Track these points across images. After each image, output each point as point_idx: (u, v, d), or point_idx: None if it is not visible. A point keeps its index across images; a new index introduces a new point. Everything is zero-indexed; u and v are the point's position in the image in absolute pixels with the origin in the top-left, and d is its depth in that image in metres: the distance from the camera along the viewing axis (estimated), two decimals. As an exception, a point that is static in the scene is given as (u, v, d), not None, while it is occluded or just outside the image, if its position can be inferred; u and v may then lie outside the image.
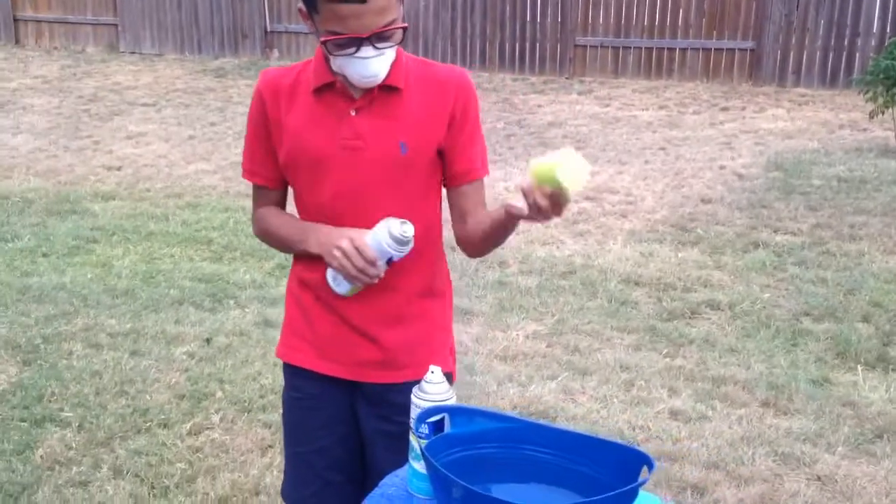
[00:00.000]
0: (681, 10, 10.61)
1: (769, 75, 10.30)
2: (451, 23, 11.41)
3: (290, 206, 1.99)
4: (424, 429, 1.51)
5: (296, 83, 1.86)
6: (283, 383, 2.05)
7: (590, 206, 6.22)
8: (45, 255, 5.32)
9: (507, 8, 11.19)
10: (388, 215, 1.75)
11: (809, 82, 10.16)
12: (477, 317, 4.48)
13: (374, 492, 1.59)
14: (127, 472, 3.16)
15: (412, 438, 1.54)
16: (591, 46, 10.98)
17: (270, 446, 3.32)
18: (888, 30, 9.79)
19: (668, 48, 10.68)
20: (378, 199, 1.79)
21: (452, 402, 1.56)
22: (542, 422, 1.57)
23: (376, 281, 1.79)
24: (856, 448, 3.34)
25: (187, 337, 4.22)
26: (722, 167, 7.14)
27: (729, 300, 4.64)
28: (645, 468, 1.36)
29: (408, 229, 1.72)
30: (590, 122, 8.90)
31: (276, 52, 12.28)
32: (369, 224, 1.77)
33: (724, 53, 10.49)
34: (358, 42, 1.68)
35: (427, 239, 1.92)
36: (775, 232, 5.66)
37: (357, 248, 1.73)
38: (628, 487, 1.31)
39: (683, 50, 10.62)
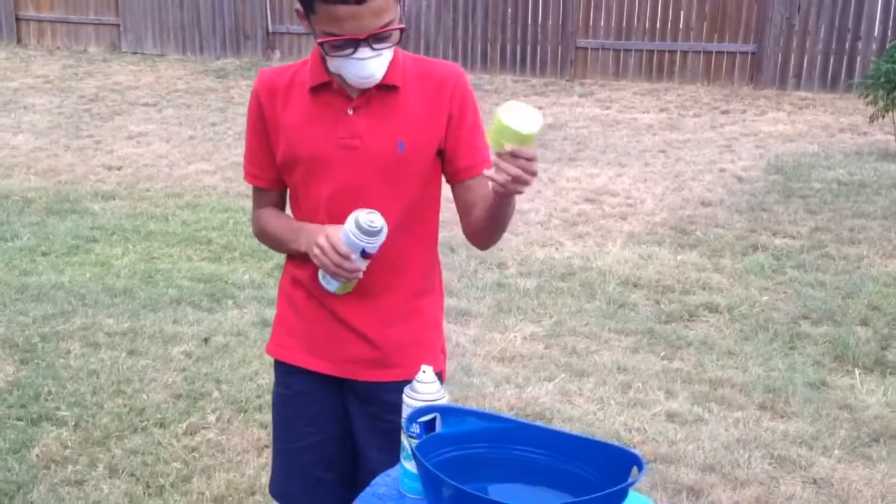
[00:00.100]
0: (682, 13, 10.61)
1: (770, 78, 10.30)
2: (452, 24, 11.41)
3: (290, 208, 2.00)
4: (415, 428, 1.51)
5: (292, 82, 1.86)
6: (277, 382, 2.06)
7: (589, 209, 6.22)
8: (44, 254, 5.33)
9: (509, 10, 11.19)
10: (386, 214, 1.75)
11: (810, 86, 10.17)
12: (475, 318, 4.47)
13: (366, 491, 1.60)
14: (122, 472, 3.16)
15: (403, 438, 1.54)
16: (591, 49, 10.98)
17: (266, 446, 3.31)
18: (889, 34, 9.79)
19: (669, 51, 10.68)
20: (375, 198, 1.80)
21: (444, 401, 1.56)
22: (532, 422, 1.57)
23: (359, 276, 1.79)
24: (852, 451, 3.34)
25: (185, 336, 4.22)
26: (722, 170, 7.14)
27: (727, 303, 4.63)
28: (635, 468, 1.35)
29: (374, 219, 1.71)
30: (590, 124, 8.90)
31: (277, 53, 12.29)
32: None
33: (725, 56, 10.49)
34: (355, 43, 1.68)
35: (424, 238, 1.93)
36: (774, 235, 5.66)
37: (331, 244, 1.74)
38: (618, 487, 1.31)
39: (684, 53, 10.63)
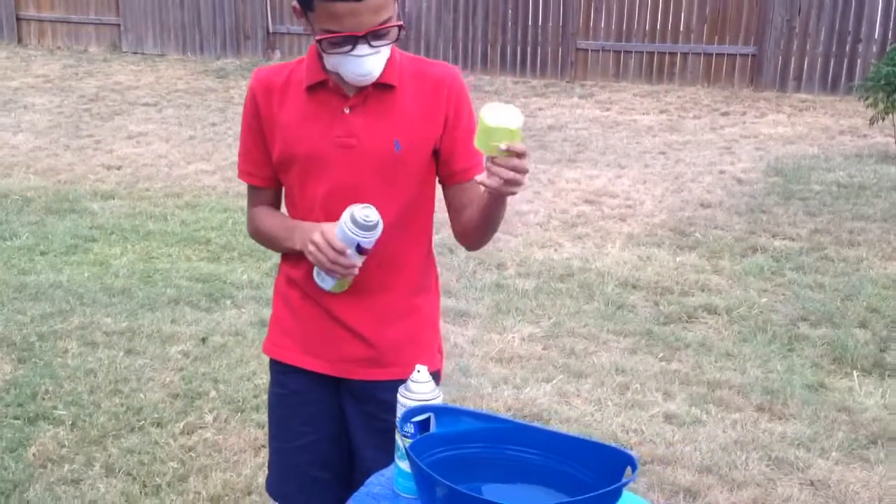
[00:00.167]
0: (682, 15, 10.61)
1: (770, 81, 10.30)
2: (452, 25, 11.41)
3: (285, 206, 1.99)
4: (410, 428, 1.51)
5: (288, 81, 1.86)
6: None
7: (589, 210, 6.22)
8: (42, 253, 5.33)
9: (509, 11, 11.20)
10: (382, 213, 1.75)
11: (810, 88, 10.16)
12: (473, 319, 4.47)
13: (360, 490, 1.59)
14: (119, 471, 3.15)
15: (398, 437, 1.54)
16: (592, 50, 10.98)
17: (263, 446, 3.31)
18: (889, 36, 9.79)
19: (670, 53, 10.68)
20: (371, 197, 1.79)
21: (438, 401, 1.56)
22: (526, 422, 1.57)
23: (355, 272, 1.78)
24: (850, 453, 3.33)
25: (183, 336, 4.22)
26: (722, 172, 7.14)
27: (726, 305, 4.63)
28: (629, 469, 1.35)
29: (370, 214, 1.71)
30: (590, 125, 8.90)
31: (277, 53, 12.29)
32: None
33: (726, 58, 10.49)
34: (353, 40, 1.68)
35: (419, 236, 1.93)
36: (774, 237, 5.65)
37: (326, 240, 1.74)
38: (612, 487, 1.30)
39: (685, 54, 10.63)
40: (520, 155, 1.59)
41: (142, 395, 3.67)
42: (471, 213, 1.86)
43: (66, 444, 3.31)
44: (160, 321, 4.38)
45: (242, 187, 2.06)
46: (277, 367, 2.01)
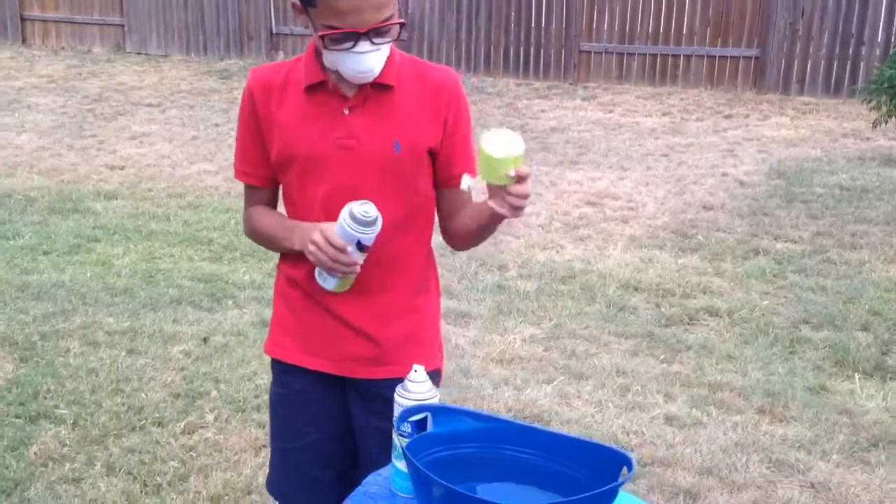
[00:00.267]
0: (685, 18, 10.61)
1: (773, 83, 10.29)
2: (455, 26, 11.42)
3: (282, 207, 2.00)
4: (407, 427, 1.51)
5: (287, 80, 1.86)
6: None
7: (591, 212, 6.22)
8: (45, 253, 5.34)
9: (512, 13, 11.20)
10: (382, 213, 1.75)
11: (813, 91, 10.15)
12: (475, 320, 4.47)
13: (357, 490, 1.60)
14: (120, 470, 3.16)
15: (395, 437, 1.54)
16: (595, 52, 10.98)
17: (264, 446, 3.31)
18: (893, 39, 9.78)
19: (673, 55, 10.67)
20: (371, 198, 1.79)
21: (435, 401, 1.56)
22: (523, 422, 1.57)
23: (356, 270, 1.78)
24: (850, 456, 3.33)
25: (184, 336, 4.23)
26: (724, 174, 7.13)
27: (728, 307, 4.63)
28: (625, 469, 1.35)
29: (369, 209, 1.72)
30: (593, 127, 8.90)
31: (280, 54, 12.30)
32: None
33: (729, 61, 10.48)
34: (355, 37, 1.68)
35: (420, 236, 1.94)
36: (776, 239, 5.65)
37: (326, 238, 1.74)
38: (607, 487, 1.31)
39: (688, 57, 10.62)
40: (523, 178, 1.64)
41: (143, 395, 3.68)
42: (466, 222, 1.90)
43: (68, 442, 3.32)
44: (162, 321, 4.38)
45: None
46: (279, 367, 2.01)
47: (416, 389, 1.56)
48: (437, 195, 1.94)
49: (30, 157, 7.52)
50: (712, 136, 8.49)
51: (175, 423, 3.48)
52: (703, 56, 10.55)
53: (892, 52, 8.44)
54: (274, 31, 12.35)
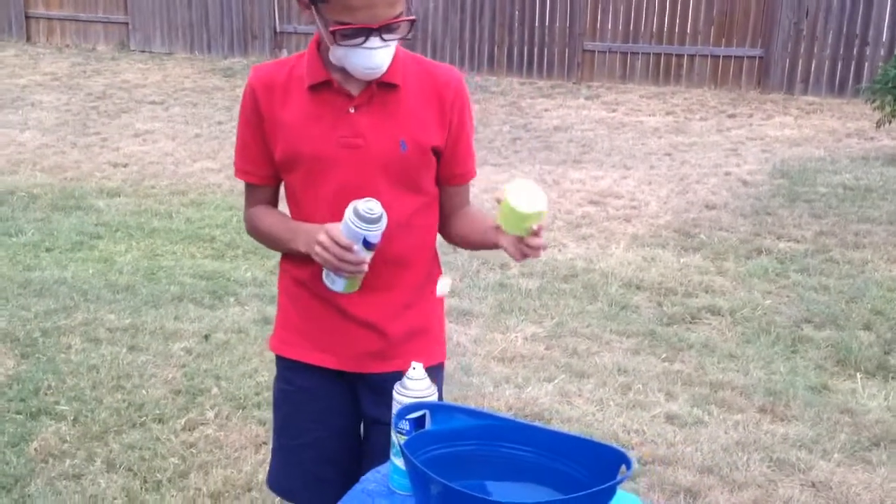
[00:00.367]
0: (689, 17, 10.59)
1: (777, 83, 10.27)
2: (459, 26, 11.41)
3: (283, 206, 1.99)
4: (405, 425, 1.51)
5: (289, 78, 1.85)
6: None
7: (593, 211, 6.21)
8: (48, 249, 5.34)
9: (516, 12, 11.19)
10: (388, 212, 1.74)
11: (817, 90, 10.13)
12: (476, 318, 4.47)
13: (356, 487, 1.59)
14: (120, 466, 3.16)
15: (393, 434, 1.54)
16: (599, 52, 10.96)
17: (264, 443, 3.31)
18: (898, 39, 9.76)
19: (677, 54, 10.66)
20: (377, 197, 1.79)
21: (433, 398, 1.56)
22: (521, 420, 1.57)
23: (364, 269, 1.75)
24: (852, 455, 3.32)
25: (186, 333, 4.23)
26: (727, 173, 7.12)
27: (730, 306, 4.62)
28: (623, 467, 1.35)
29: (373, 206, 1.70)
30: (596, 126, 8.89)
31: (284, 52, 12.30)
32: None
33: (733, 60, 10.46)
34: (367, 33, 1.68)
35: (425, 234, 1.94)
36: (779, 239, 5.64)
37: (332, 238, 1.72)
38: (606, 485, 1.30)
39: (692, 56, 10.60)
40: (538, 231, 1.67)
41: (144, 392, 3.68)
42: (467, 232, 1.95)
43: (68, 439, 3.32)
44: (163, 318, 4.39)
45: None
46: (284, 364, 2.00)
47: (414, 387, 1.56)
48: (438, 192, 1.94)
49: (33, 155, 7.53)
50: (716, 136, 8.47)
51: (176, 419, 3.48)
52: (707, 56, 10.53)
53: (896, 51, 8.42)
54: (278, 30, 12.36)
